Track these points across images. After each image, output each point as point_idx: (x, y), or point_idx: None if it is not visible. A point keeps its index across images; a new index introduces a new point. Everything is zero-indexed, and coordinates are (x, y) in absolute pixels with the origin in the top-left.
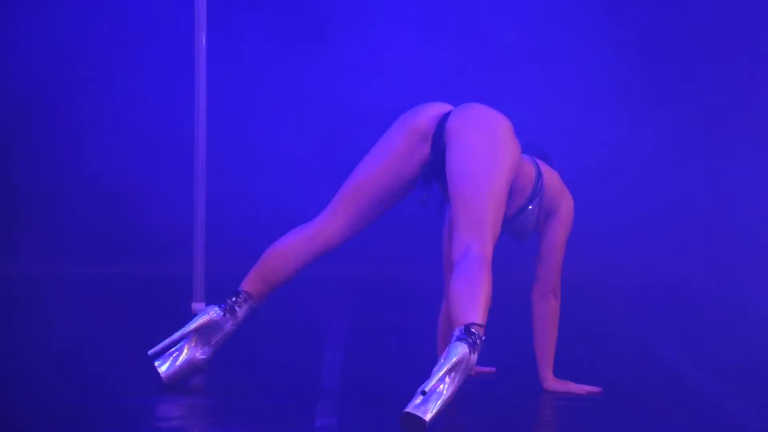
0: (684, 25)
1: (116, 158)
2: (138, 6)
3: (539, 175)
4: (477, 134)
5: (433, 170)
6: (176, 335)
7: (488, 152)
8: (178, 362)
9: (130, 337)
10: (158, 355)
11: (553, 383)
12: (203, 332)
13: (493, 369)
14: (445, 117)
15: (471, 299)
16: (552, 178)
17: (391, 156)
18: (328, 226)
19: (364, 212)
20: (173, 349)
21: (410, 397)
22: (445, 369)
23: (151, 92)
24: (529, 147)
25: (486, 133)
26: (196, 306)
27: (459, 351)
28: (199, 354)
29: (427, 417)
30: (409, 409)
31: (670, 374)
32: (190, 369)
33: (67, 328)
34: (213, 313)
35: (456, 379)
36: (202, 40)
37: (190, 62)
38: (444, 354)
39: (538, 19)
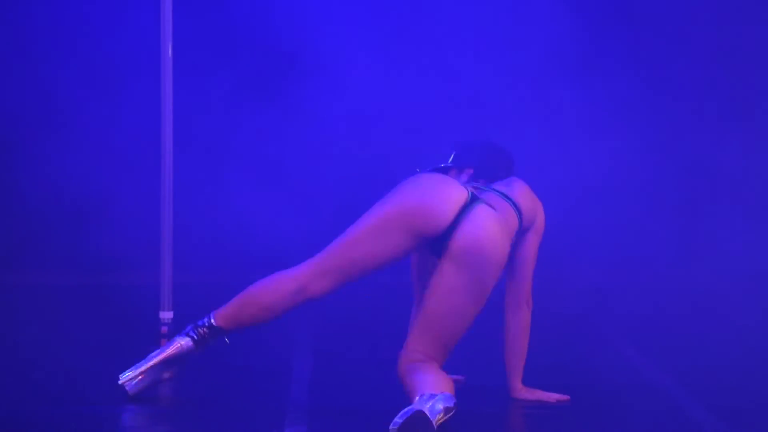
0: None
1: (88, 176)
2: (108, 47)
3: (520, 218)
4: (471, 272)
5: (430, 246)
6: (146, 365)
7: (475, 295)
8: (145, 382)
9: (98, 346)
10: (127, 378)
11: (522, 392)
12: (172, 360)
13: (463, 377)
14: (457, 219)
15: (438, 380)
16: (526, 198)
17: (391, 247)
18: (313, 286)
19: (353, 278)
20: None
21: (380, 405)
22: (443, 405)
23: (120, 119)
24: (498, 167)
25: (480, 274)
26: (163, 315)
27: (452, 401)
28: (166, 375)
29: (435, 423)
30: (423, 409)
31: (639, 382)
32: (156, 384)
33: (35, 337)
34: (184, 343)
35: (443, 420)
36: (168, 49)
37: (159, 84)
38: (441, 395)
39: (513, 53)
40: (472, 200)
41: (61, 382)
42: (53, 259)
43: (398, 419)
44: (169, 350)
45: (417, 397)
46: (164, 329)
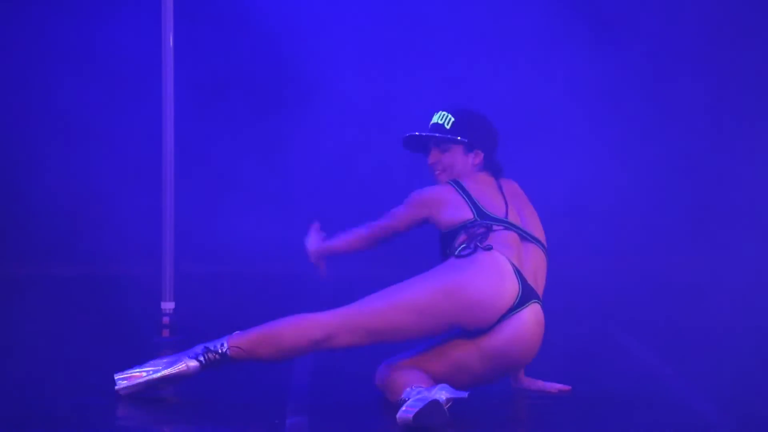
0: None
1: (91, 170)
2: (115, 68)
3: (545, 252)
4: (494, 369)
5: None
6: (147, 378)
7: (489, 380)
8: (140, 389)
9: (100, 336)
10: (125, 385)
11: (524, 381)
12: (174, 378)
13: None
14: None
15: (424, 377)
16: (535, 218)
17: (428, 328)
18: (339, 339)
19: (381, 341)
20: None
21: (379, 398)
22: (446, 395)
23: (124, 117)
24: (496, 149)
25: (501, 372)
26: (165, 305)
27: (453, 393)
28: (164, 390)
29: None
30: (437, 398)
31: (641, 373)
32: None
33: (39, 328)
34: (191, 364)
35: (447, 408)
36: (169, 40)
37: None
38: (439, 385)
39: (517, 63)
40: (521, 301)
41: (64, 373)
42: (57, 251)
43: (410, 408)
44: (174, 369)
45: (407, 389)
46: (166, 319)
